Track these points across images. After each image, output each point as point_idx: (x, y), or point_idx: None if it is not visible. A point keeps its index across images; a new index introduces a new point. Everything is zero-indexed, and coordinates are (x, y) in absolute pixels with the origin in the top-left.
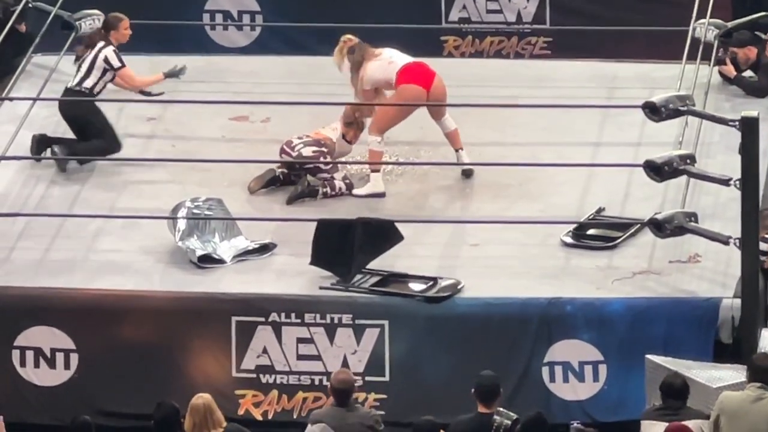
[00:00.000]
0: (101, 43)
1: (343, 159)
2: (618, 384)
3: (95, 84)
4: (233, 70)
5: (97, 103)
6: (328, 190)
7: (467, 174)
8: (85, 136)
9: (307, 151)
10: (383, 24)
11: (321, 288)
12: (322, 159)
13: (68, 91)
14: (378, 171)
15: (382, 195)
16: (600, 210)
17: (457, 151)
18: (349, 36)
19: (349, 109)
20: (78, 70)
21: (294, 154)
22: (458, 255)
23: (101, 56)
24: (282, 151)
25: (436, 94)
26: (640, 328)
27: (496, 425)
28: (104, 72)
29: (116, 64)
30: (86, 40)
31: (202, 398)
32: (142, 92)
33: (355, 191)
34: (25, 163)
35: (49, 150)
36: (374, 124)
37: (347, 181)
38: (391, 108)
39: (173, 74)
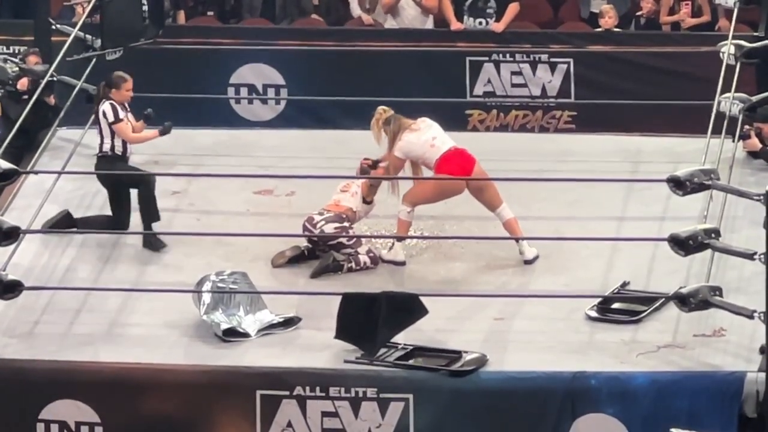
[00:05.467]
0: (103, 101)
1: (367, 232)
2: None
3: (112, 145)
4: (258, 144)
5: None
6: (353, 264)
7: (527, 262)
8: (120, 203)
9: (329, 228)
10: (408, 98)
11: (346, 362)
12: (344, 233)
13: (96, 158)
14: (401, 240)
15: (402, 264)
16: (625, 284)
17: (517, 241)
18: (383, 107)
19: (382, 172)
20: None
21: (316, 231)
22: (483, 329)
23: (100, 112)
24: (305, 228)
25: (476, 181)
26: (665, 402)
27: None
28: (110, 128)
29: (111, 118)
30: (95, 100)
31: None
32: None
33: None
34: (51, 236)
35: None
36: (409, 195)
37: (371, 254)
38: (429, 187)
39: (166, 131)
